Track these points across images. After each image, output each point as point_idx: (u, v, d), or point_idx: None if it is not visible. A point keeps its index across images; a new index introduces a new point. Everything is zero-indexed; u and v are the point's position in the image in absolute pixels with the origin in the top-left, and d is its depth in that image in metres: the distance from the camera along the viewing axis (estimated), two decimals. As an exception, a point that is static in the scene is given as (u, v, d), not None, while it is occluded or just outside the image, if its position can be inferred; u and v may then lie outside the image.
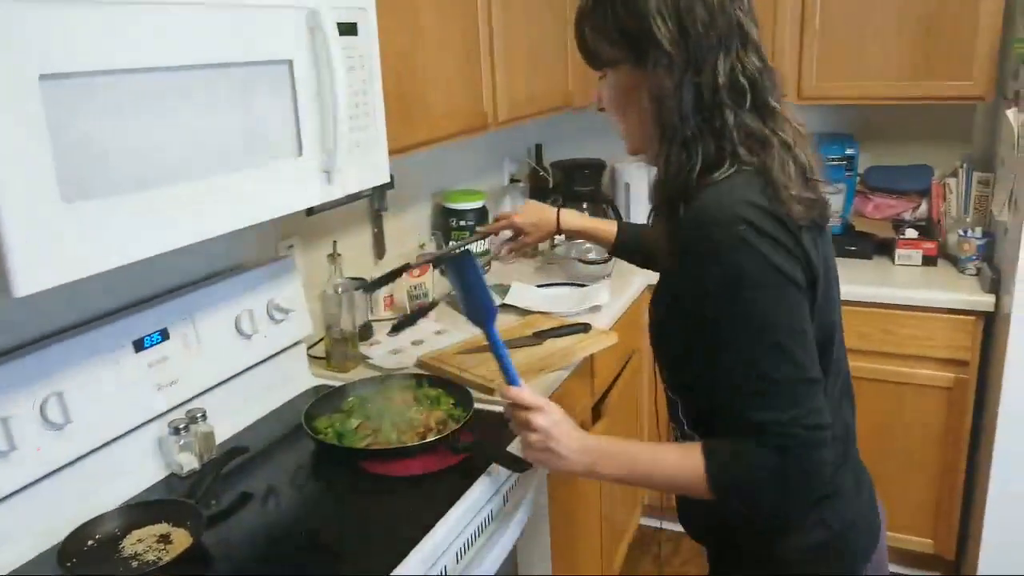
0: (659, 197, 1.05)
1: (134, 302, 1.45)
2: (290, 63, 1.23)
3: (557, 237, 2.64)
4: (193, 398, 1.47)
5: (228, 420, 1.53)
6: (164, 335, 1.43)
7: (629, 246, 1.67)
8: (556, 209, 1.73)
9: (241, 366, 1.58)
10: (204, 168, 1.10)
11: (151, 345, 1.40)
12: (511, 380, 1.19)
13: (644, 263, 1.69)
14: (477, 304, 1.23)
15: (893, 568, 2.59)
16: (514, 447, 1.43)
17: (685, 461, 1.01)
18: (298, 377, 1.75)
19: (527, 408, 1.13)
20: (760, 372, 0.95)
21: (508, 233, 1.83)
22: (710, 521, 1.17)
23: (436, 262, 1.98)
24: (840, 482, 1.09)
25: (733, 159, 0.99)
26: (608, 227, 1.69)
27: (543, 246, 2.74)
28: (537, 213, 1.76)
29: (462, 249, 1.73)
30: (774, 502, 1.00)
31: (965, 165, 2.53)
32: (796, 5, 2.41)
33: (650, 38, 0.98)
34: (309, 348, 1.85)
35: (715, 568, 1.21)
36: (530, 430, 1.13)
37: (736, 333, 0.96)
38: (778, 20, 2.42)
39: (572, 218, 1.74)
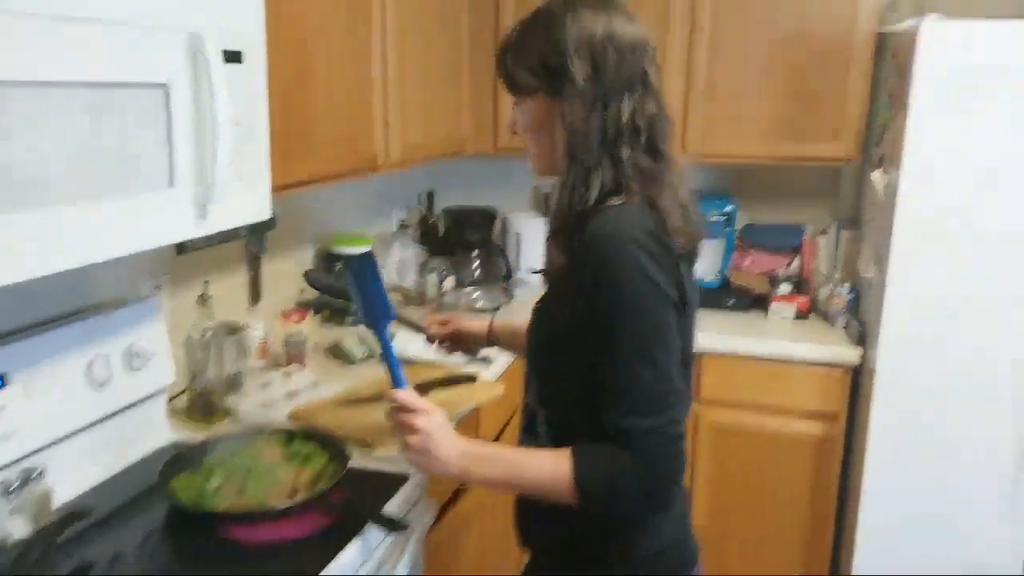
0: (559, 217, 1.12)
1: (-34, 346, 1.31)
2: (166, 88, 1.15)
3: (445, 284, 2.62)
4: (32, 454, 1.32)
5: (72, 479, 1.39)
6: (2, 381, 1.28)
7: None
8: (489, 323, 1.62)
9: (91, 418, 1.44)
10: (58, 194, 1.00)
11: (-16, 394, 1.25)
12: (397, 383, 1.22)
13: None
14: (374, 305, 1.28)
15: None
16: (391, 505, 1.36)
17: (555, 464, 1.07)
18: (156, 431, 1.61)
19: (411, 411, 1.16)
20: (631, 381, 1.04)
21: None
22: (554, 528, 1.20)
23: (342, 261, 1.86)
24: (674, 498, 1.16)
25: (627, 190, 1.09)
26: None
27: (431, 293, 2.70)
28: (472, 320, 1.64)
29: (367, 250, 1.63)
30: (632, 503, 1.07)
31: (834, 224, 2.68)
32: (682, 67, 2.52)
33: (567, 73, 1.08)
34: (171, 399, 1.72)
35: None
36: (411, 432, 1.15)
37: (616, 342, 1.04)
38: (665, 79, 2.50)
39: (504, 326, 1.62)
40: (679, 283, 1.08)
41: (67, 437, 1.40)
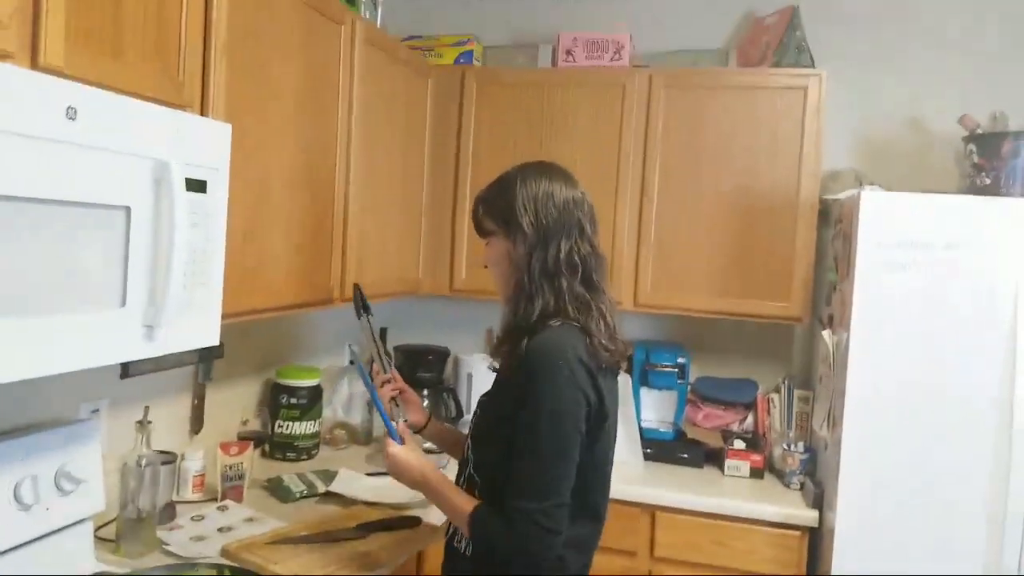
0: (506, 330, 1.48)
1: None
2: (128, 210, 1.22)
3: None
4: (-58, 578, 1.28)
5: (-18, 609, 1.34)
6: (-80, 498, 1.26)
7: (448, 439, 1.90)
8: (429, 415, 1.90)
9: (12, 542, 1.40)
10: (6, 306, 1.03)
11: (-101, 511, 1.22)
12: (391, 434, 1.60)
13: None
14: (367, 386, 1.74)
15: None
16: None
17: (464, 508, 1.42)
18: (79, 561, 1.56)
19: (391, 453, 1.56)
20: (533, 472, 1.35)
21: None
22: None
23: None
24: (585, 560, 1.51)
25: (564, 315, 1.43)
26: (459, 437, 1.83)
27: (378, 431, 2.70)
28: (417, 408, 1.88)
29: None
30: (500, 559, 1.38)
31: (787, 382, 2.79)
32: (634, 224, 2.69)
33: (516, 220, 1.47)
34: (98, 528, 1.68)
35: None
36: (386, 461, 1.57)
37: (524, 438, 1.35)
38: (616, 235, 2.68)
39: (435, 423, 1.92)
40: (599, 394, 1.40)
41: (-17, 561, 1.36)
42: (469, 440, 1.55)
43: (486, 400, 1.55)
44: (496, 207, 1.51)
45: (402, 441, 1.58)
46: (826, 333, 2.43)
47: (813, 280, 2.59)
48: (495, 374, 1.58)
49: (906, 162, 2.76)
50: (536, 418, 1.35)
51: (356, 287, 1.97)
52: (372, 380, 1.76)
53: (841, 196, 2.48)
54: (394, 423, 1.63)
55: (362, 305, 1.92)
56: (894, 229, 2.16)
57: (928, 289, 2.15)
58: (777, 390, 2.80)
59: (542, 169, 1.52)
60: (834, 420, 2.30)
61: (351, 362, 2.06)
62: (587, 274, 1.47)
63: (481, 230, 1.56)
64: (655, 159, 2.67)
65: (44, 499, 1.46)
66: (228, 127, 1.46)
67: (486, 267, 1.58)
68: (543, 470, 1.34)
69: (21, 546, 1.43)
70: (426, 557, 1.97)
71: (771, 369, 2.92)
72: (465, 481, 1.52)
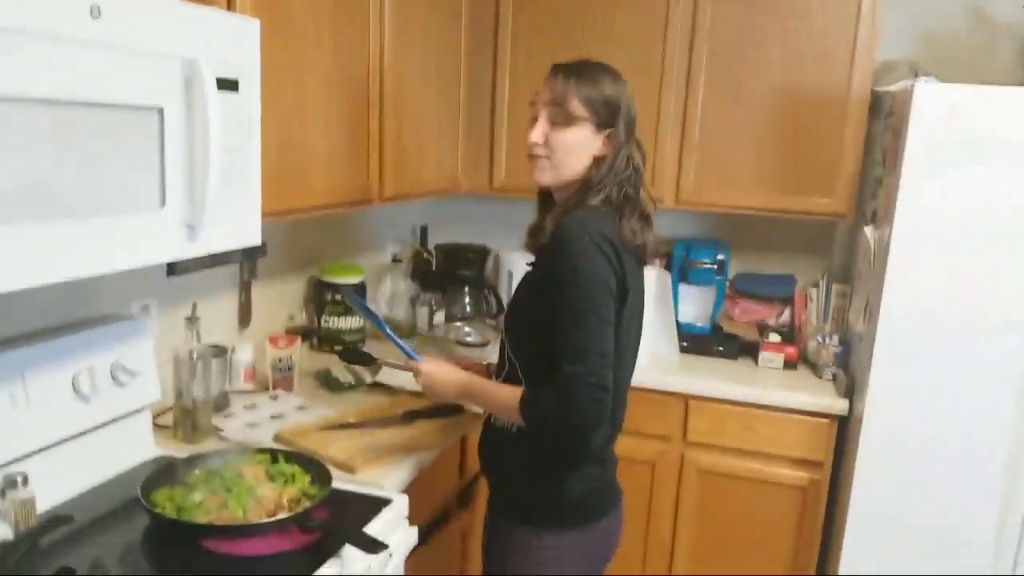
0: (555, 215, 1.51)
1: (-43, 351, 1.36)
2: (160, 111, 1.22)
3: (436, 318, 2.69)
4: (15, 460, 1.36)
5: (55, 487, 1.43)
6: (-12, 389, 1.33)
7: None
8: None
9: (75, 429, 1.48)
10: (48, 209, 1.05)
11: (-28, 399, 1.30)
12: (410, 356, 1.68)
13: None
14: (371, 316, 1.83)
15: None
16: (371, 527, 1.40)
17: (512, 397, 1.46)
18: (140, 446, 1.65)
19: (416, 371, 1.64)
20: (570, 336, 1.39)
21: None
22: (501, 461, 1.61)
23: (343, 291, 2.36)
24: (607, 455, 1.61)
25: (607, 202, 1.49)
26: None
27: (422, 326, 2.75)
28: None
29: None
30: (554, 430, 1.44)
31: (825, 277, 2.76)
32: (678, 120, 2.61)
33: (615, 119, 1.50)
34: (156, 417, 1.76)
35: (496, 498, 1.65)
36: (420, 382, 1.65)
37: (561, 308, 1.40)
38: (660, 131, 2.61)
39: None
40: (622, 277, 1.45)
41: (52, 446, 1.44)
42: (504, 325, 1.62)
43: (520, 287, 1.61)
44: (598, 98, 1.49)
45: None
46: (868, 229, 2.38)
47: (859, 175, 2.51)
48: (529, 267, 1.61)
49: (966, 54, 2.60)
50: (572, 287, 1.39)
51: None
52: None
53: (894, 88, 2.36)
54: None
55: (367, 358, 1.89)
56: (947, 123, 2.07)
57: (978, 188, 2.07)
58: (815, 285, 2.77)
59: (617, 71, 1.54)
60: (870, 314, 2.29)
61: (351, 303, 2.03)
62: (638, 178, 1.54)
63: (565, 111, 1.49)
64: (702, 50, 2.55)
65: (102, 390, 1.52)
66: (256, 22, 1.42)
67: (544, 144, 1.52)
68: (584, 334, 1.38)
69: (85, 433, 1.51)
70: (469, 442, 2.04)
71: (810, 265, 2.89)
72: (506, 369, 1.57)
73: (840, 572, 2.29)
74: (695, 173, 2.63)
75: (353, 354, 1.97)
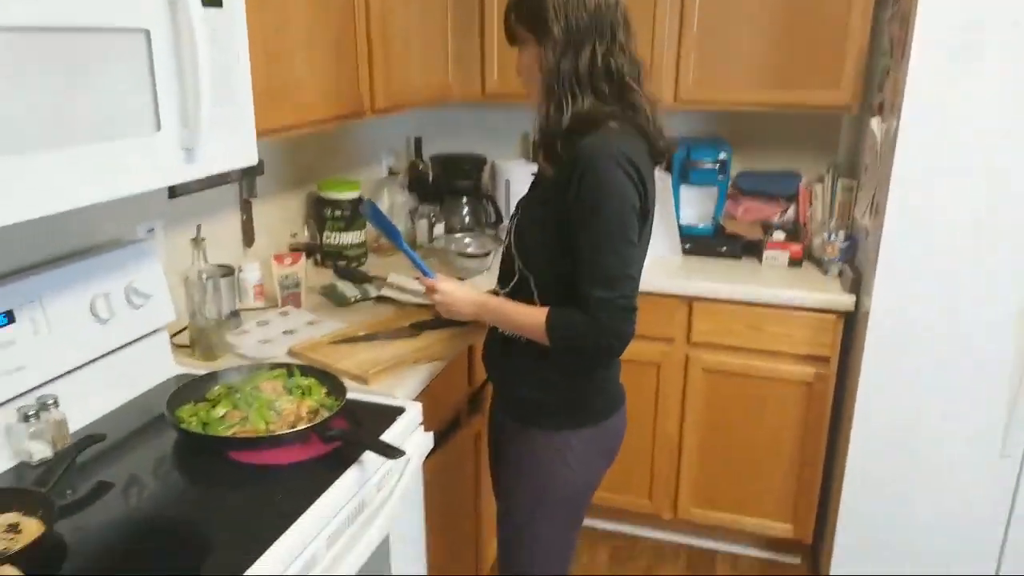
0: (544, 135, 1.54)
1: (-26, 283, 1.43)
2: (147, 33, 1.23)
3: (436, 229, 2.74)
4: (43, 384, 1.45)
5: (84, 408, 1.52)
6: (9, 317, 1.41)
7: None
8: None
9: (97, 352, 1.57)
10: (48, 140, 1.09)
11: (-5, 328, 1.38)
12: (425, 273, 1.74)
13: None
14: (389, 231, 1.84)
15: (755, 552, 2.84)
16: (388, 435, 1.49)
17: (536, 316, 1.54)
18: (160, 366, 1.74)
19: (431, 288, 1.71)
20: (596, 260, 1.46)
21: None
22: (513, 376, 1.69)
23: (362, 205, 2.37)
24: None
25: (616, 118, 1.50)
26: None
27: (422, 239, 2.82)
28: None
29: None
30: (582, 352, 1.54)
31: (831, 171, 2.79)
32: (675, 12, 2.59)
33: (546, 26, 1.49)
34: (173, 336, 1.85)
35: (506, 402, 1.75)
36: (438, 299, 1.70)
37: (590, 231, 1.46)
38: (657, 26, 2.60)
39: None
40: (643, 196, 1.49)
41: (76, 369, 1.53)
42: (512, 240, 1.63)
43: (525, 202, 1.65)
44: (526, 13, 1.53)
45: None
46: (875, 121, 2.39)
47: (866, 66, 2.51)
48: (532, 177, 1.66)
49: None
50: (600, 212, 1.44)
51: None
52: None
53: (900, -30, 2.34)
54: None
55: (362, 277, 1.99)
56: (959, 9, 2.04)
57: (991, 77, 2.05)
58: (820, 181, 2.81)
59: None
60: (877, 208, 2.33)
61: (367, 216, 2.07)
62: (622, 79, 1.52)
63: (512, 38, 1.59)
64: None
65: (118, 313, 1.60)
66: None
67: (520, 75, 1.62)
68: (614, 258, 1.45)
69: (107, 355, 1.60)
70: (476, 350, 2.13)
71: (815, 160, 2.92)
72: (515, 282, 1.63)
73: (847, 466, 2.41)
74: (694, 70, 2.63)
75: (349, 273, 2.05)
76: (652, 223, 1.61)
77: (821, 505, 2.67)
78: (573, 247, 1.48)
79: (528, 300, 1.60)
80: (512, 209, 1.72)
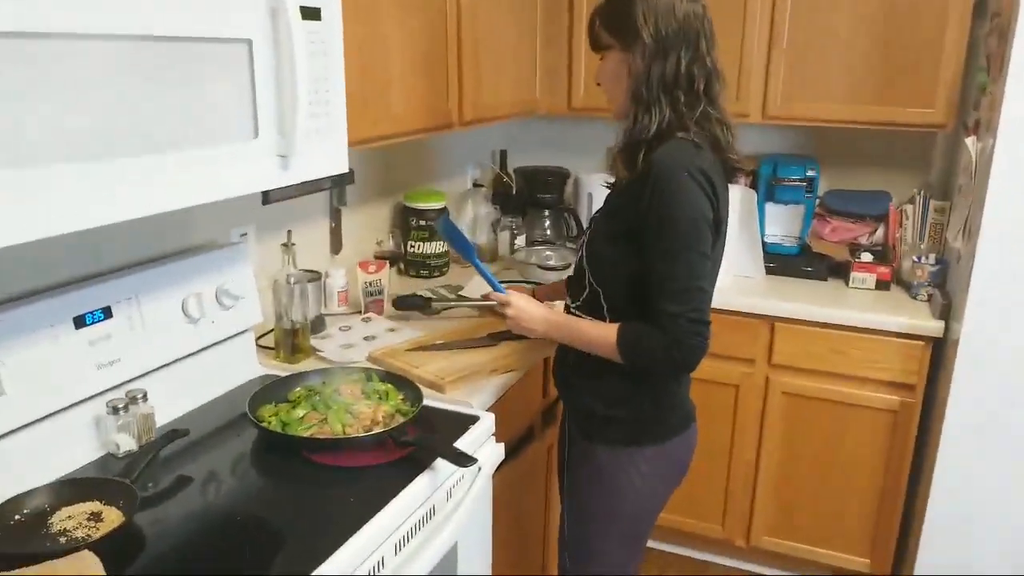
0: (626, 141, 1.51)
1: (77, 279, 1.46)
2: (249, 43, 1.25)
3: (517, 241, 2.71)
4: (134, 379, 1.47)
5: (170, 404, 1.54)
6: (107, 313, 1.43)
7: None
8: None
9: (186, 350, 1.59)
10: (151, 144, 1.10)
11: (93, 322, 1.40)
12: (496, 288, 1.76)
13: None
14: (462, 247, 1.88)
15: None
16: (461, 443, 1.46)
17: (607, 333, 1.50)
18: (245, 366, 1.76)
19: (504, 303, 1.70)
20: (670, 273, 1.41)
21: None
22: (582, 391, 1.65)
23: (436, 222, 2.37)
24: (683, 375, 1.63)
25: (686, 129, 1.46)
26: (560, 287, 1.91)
27: (503, 250, 2.79)
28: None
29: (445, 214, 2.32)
30: (655, 366, 1.49)
31: (922, 192, 2.64)
32: (765, 26, 2.50)
33: (635, 32, 1.46)
34: (259, 338, 1.86)
35: (573, 416, 1.71)
36: (509, 314, 1.68)
37: (661, 245, 1.42)
38: (746, 40, 2.51)
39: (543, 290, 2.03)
40: (715, 208, 1.45)
41: (166, 366, 1.55)
42: (584, 253, 1.60)
43: (599, 216, 1.61)
44: (615, 19, 1.49)
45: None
46: (970, 140, 2.26)
47: (961, 83, 2.37)
48: (608, 191, 1.62)
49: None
50: (672, 225, 1.40)
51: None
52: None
53: (999, -15, 2.20)
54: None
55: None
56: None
57: None
58: (911, 201, 2.66)
59: None
60: (970, 231, 2.19)
61: (441, 232, 2.10)
62: (707, 89, 1.48)
63: (597, 44, 1.55)
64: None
65: (209, 313, 1.62)
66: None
67: (599, 84, 1.59)
68: (686, 271, 1.41)
69: (196, 353, 1.62)
70: (551, 362, 2.08)
71: (906, 181, 2.77)
72: (586, 294, 1.58)
73: (930, 498, 2.27)
74: (783, 84, 2.54)
75: (407, 302, 2.07)
76: (725, 238, 1.56)
77: (900, 540, 2.50)
78: (644, 259, 1.44)
79: (598, 315, 1.57)
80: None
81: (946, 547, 2.28)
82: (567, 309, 1.69)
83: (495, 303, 1.74)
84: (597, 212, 1.63)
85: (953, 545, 2.27)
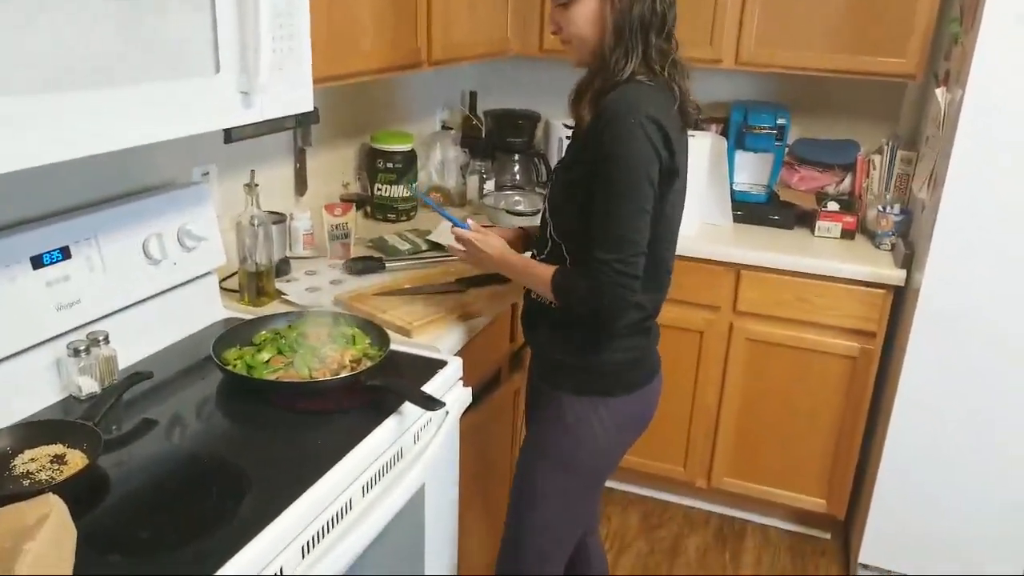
0: (590, 92, 1.48)
1: (32, 218, 1.42)
2: None
3: (487, 186, 2.69)
4: (95, 321, 1.45)
5: (132, 346, 1.52)
6: (65, 253, 1.40)
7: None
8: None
9: (148, 292, 1.56)
10: (108, 77, 1.06)
11: (51, 263, 1.37)
12: (456, 224, 1.70)
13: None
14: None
15: (785, 525, 2.78)
16: (428, 387, 1.47)
17: (546, 274, 1.51)
18: (209, 308, 1.74)
19: (465, 239, 1.67)
20: (606, 222, 1.41)
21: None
22: (548, 340, 1.64)
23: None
24: (651, 326, 1.64)
25: (650, 72, 1.45)
26: (516, 233, 1.86)
27: (472, 195, 2.77)
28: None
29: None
30: (582, 310, 1.50)
31: (890, 142, 2.66)
32: (739, -27, 2.47)
33: None
34: (223, 281, 1.84)
35: (539, 365, 1.73)
36: (466, 251, 1.68)
37: (605, 192, 1.40)
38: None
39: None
40: (671, 151, 1.42)
41: (127, 308, 1.53)
42: (546, 204, 1.60)
43: (559, 167, 1.60)
44: None
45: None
46: (940, 91, 2.27)
47: (934, 33, 2.37)
48: (571, 142, 1.59)
49: None
50: (611, 172, 1.39)
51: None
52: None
53: (975, -68, 2.19)
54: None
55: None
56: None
57: None
58: (879, 151, 2.68)
59: None
60: (935, 181, 2.22)
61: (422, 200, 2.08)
62: (668, 29, 1.46)
63: None
64: None
65: (171, 255, 1.60)
66: None
67: (557, 32, 1.54)
68: (619, 221, 1.40)
69: (158, 295, 1.60)
70: (519, 309, 2.09)
71: (875, 130, 2.80)
72: (549, 247, 1.58)
73: (885, 444, 2.34)
74: (757, 30, 2.52)
75: (360, 266, 2.05)
76: (685, 184, 1.55)
77: (856, 482, 2.60)
78: (590, 209, 1.43)
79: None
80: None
81: (899, 488, 2.36)
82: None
83: (451, 254, 1.74)
84: (558, 162, 1.62)
85: (907, 486, 2.35)
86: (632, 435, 1.69)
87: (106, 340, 1.41)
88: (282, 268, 1.97)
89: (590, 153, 1.43)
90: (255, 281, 1.81)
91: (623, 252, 1.40)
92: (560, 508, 1.68)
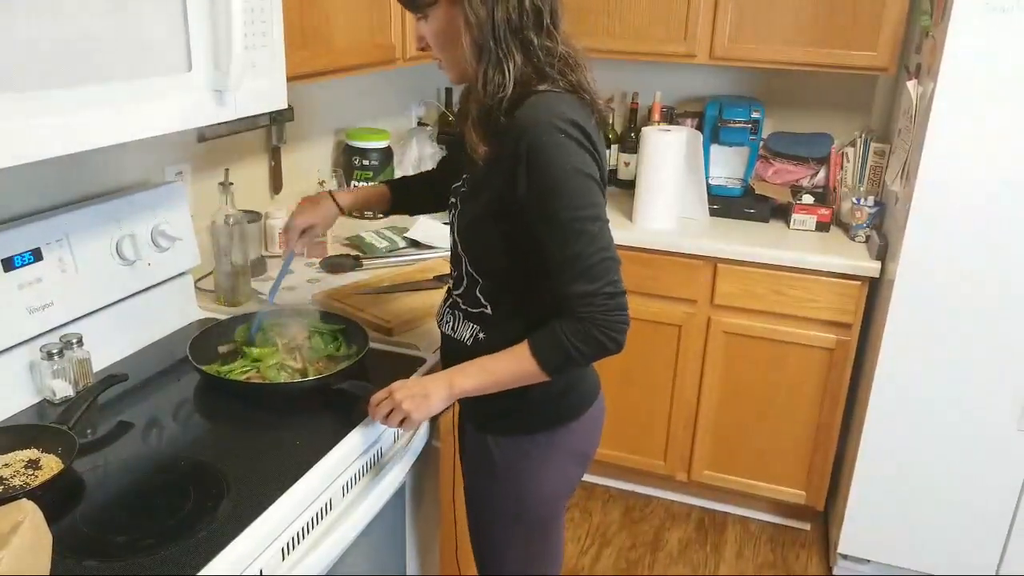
0: (480, 107, 1.23)
1: (2, 220, 1.41)
2: None
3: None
4: (68, 323, 1.44)
5: (107, 348, 1.51)
6: (36, 255, 1.39)
7: (404, 201, 1.73)
8: (328, 194, 1.68)
9: (122, 293, 1.55)
10: (78, 75, 1.05)
11: (22, 265, 1.35)
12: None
13: (419, 210, 1.85)
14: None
15: (766, 517, 2.81)
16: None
17: (520, 358, 1.25)
18: (184, 309, 1.72)
19: (383, 399, 1.32)
20: (574, 254, 1.18)
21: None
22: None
23: None
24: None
25: (547, 79, 1.22)
26: (379, 190, 1.72)
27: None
28: (313, 207, 1.66)
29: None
30: (588, 358, 1.25)
31: (863, 135, 2.69)
32: (712, -34, 2.49)
33: None
34: (198, 280, 1.82)
35: (463, 404, 1.47)
36: (399, 407, 1.29)
37: (552, 220, 1.18)
38: (694, -20, 2.50)
39: (345, 196, 1.71)
40: (597, 162, 1.23)
41: (101, 309, 1.51)
42: (456, 237, 1.36)
43: (467, 191, 1.33)
44: None
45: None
46: (911, 84, 2.30)
47: (905, 27, 2.40)
48: (469, 164, 1.31)
49: None
50: (560, 195, 1.17)
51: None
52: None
53: (944, -74, 2.22)
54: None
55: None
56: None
57: None
58: (853, 144, 2.72)
59: None
60: (908, 173, 2.25)
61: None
62: (551, 21, 1.23)
63: (414, 4, 1.26)
64: None
65: (144, 255, 1.58)
66: None
67: (422, 50, 1.33)
68: (585, 243, 1.18)
69: (132, 296, 1.58)
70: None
71: (848, 123, 2.82)
72: (464, 283, 1.37)
73: (863, 435, 2.37)
74: (731, 25, 2.54)
75: (335, 263, 2.02)
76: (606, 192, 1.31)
77: (834, 473, 2.63)
78: (531, 242, 1.22)
79: (479, 307, 1.35)
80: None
81: (877, 479, 2.39)
82: (448, 294, 1.45)
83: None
84: (458, 186, 1.36)
85: (884, 476, 2.38)
86: (578, 467, 1.47)
87: (80, 342, 1.39)
88: (258, 267, 1.96)
89: (513, 183, 1.20)
90: (230, 280, 1.80)
91: (607, 276, 1.19)
92: (526, 557, 1.50)
